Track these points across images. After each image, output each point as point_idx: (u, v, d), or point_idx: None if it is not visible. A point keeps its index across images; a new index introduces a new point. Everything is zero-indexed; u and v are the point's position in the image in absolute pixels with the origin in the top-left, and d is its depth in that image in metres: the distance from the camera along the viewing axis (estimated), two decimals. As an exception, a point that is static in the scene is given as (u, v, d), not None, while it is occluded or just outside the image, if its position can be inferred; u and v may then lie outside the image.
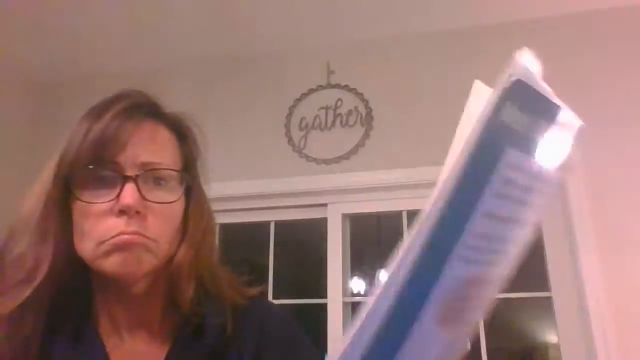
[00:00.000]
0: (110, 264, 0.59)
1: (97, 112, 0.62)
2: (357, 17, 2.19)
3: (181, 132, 0.69)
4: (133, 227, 0.59)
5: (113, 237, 0.58)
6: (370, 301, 0.28)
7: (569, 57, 2.04)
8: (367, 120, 2.20)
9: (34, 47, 2.37)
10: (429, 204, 0.27)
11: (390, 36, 2.27)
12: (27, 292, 0.59)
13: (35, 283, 0.59)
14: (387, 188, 2.11)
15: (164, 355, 0.65)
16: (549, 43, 2.08)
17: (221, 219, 2.23)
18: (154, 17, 2.18)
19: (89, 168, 0.60)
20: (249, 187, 2.24)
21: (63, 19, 2.17)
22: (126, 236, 0.58)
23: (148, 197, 0.60)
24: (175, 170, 0.64)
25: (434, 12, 2.14)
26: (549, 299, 1.89)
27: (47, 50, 2.40)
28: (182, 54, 2.43)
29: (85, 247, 0.60)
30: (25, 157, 2.28)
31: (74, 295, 0.63)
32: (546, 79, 0.29)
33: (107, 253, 0.59)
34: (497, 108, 0.27)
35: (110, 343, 0.64)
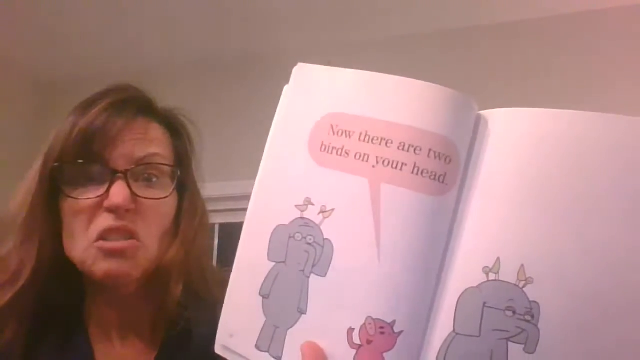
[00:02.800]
0: (99, 271, 0.56)
1: (84, 106, 0.60)
2: (357, 18, 2.19)
3: (175, 128, 0.66)
4: (122, 223, 0.56)
5: (101, 234, 0.56)
6: None
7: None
8: (367, 120, 2.20)
9: (34, 47, 2.34)
10: None
11: (390, 37, 2.27)
12: (8, 295, 0.56)
13: (17, 286, 0.57)
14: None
15: None
16: (545, 43, 2.08)
17: (221, 219, 2.22)
18: (154, 17, 2.18)
19: (77, 163, 0.57)
20: (249, 187, 2.22)
21: (63, 19, 2.17)
22: (116, 243, 0.56)
23: (139, 193, 0.57)
24: (167, 165, 0.61)
25: (434, 13, 2.13)
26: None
27: (47, 50, 2.39)
28: (183, 54, 2.42)
29: (75, 248, 0.58)
30: (24, 157, 2.27)
31: (63, 297, 0.60)
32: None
33: (96, 258, 0.56)
34: None
35: (100, 348, 0.62)
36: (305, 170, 0.39)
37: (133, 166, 0.58)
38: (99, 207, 0.57)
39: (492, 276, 0.33)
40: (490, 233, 0.34)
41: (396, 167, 0.35)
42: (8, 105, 2.47)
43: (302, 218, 0.38)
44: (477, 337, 0.33)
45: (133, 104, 0.62)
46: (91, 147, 0.57)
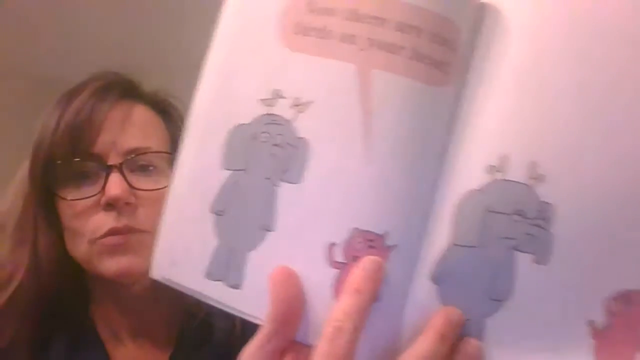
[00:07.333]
0: (107, 268, 0.53)
1: (67, 98, 0.57)
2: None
3: (165, 111, 0.63)
4: (124, 222, 0.53)
5: (104, 235, 0.53)
6: None
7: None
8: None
9: (33, 46, 2.33)
10: None
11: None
12: (2, 299, 0.54)
13: (10, 289, 0.54)
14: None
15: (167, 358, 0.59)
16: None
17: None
18: (155, 17, 2.17)
19: (67, 163, 0.54)
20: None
21: (63, 18, 2.15)
22: (119, 237, 0.53)
23: (136, 185, 0.54)
24: (166, 153, 0.58)
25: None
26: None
27: (46, 49, 2.36)
28: (183, 54, 2.41)
29: (77, 248, 0.55)
30: (24, 156, 2.25)
31: (69, 298, 0.57)
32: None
33: (101, 255, 0.53)
34: None
35: (112, 348, 0.59)
36: (274, 58, 0.31)
37: (126, 158, 0.55)
38: (96, 204, 0.53)
39: (497, 176, 0.28)
40: (496, 128, 0.29)
41: (391, 51, 0.29)
42: (7, 105, 2.46)
43: (269, 115, 0.30)
44: (478, 247, 0.28)
45: (115, 88, 0.59)
46: (81, 141, 0.54)
